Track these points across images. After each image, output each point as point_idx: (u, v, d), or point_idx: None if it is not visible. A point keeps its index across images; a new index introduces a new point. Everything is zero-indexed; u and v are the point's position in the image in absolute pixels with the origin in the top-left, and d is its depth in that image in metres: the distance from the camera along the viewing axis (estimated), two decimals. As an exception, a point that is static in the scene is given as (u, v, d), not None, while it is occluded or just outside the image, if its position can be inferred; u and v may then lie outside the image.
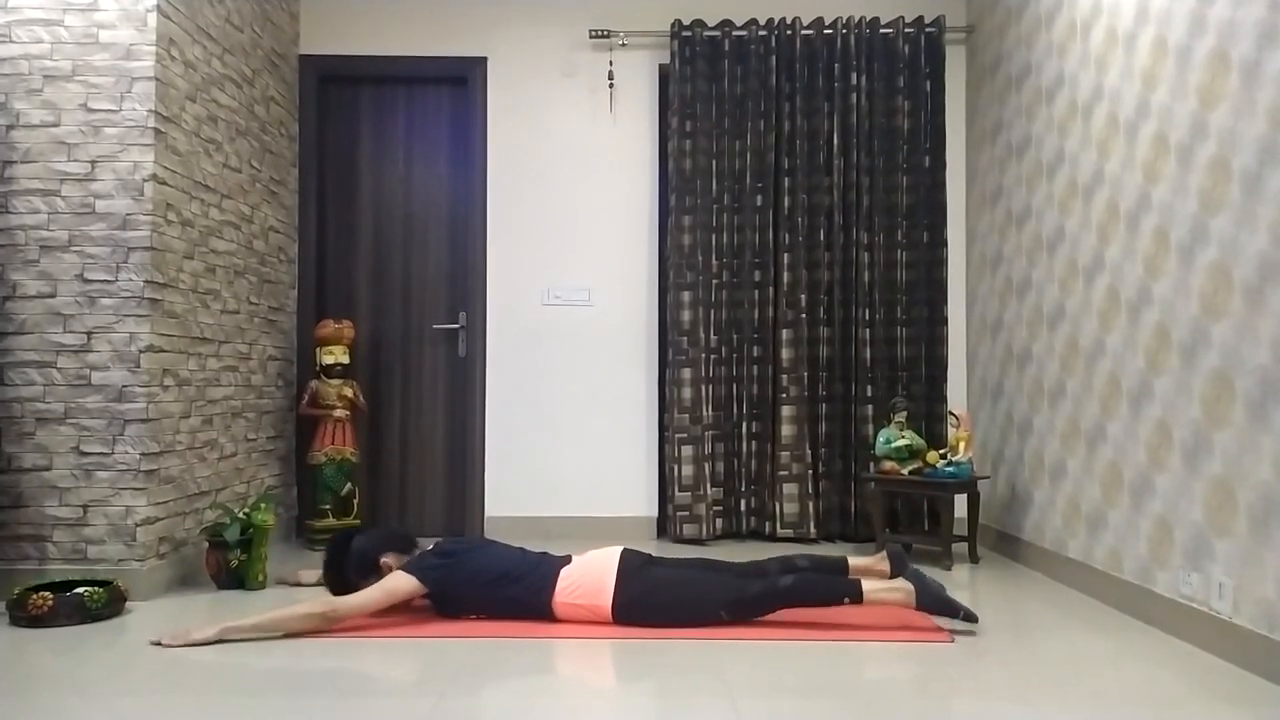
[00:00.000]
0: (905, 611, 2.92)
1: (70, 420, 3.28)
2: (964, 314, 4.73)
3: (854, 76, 4.57)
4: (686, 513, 4.47)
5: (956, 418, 4.05)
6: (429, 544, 3.14)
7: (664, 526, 4.61)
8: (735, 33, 4.61)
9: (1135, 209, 3.14)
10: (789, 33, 4.60)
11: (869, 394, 4.54)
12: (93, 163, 3.31)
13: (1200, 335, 2.76)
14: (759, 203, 4.59)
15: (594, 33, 4.67)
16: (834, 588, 2.92)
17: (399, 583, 2.93)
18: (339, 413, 4.36)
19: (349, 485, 4.36)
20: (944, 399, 4.57)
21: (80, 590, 2.97)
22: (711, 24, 4.62)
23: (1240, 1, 2.60)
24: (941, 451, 4.08)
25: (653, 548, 4.17)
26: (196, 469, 3.66)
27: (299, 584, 3.53)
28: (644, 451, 4.68)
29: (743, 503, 4.59)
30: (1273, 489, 2.43)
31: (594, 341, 4.70)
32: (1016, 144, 4.14)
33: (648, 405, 4.70)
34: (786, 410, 4.52)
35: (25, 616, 2.89)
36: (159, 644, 2.71)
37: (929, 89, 4.60)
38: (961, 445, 4.00)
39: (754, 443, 4.59)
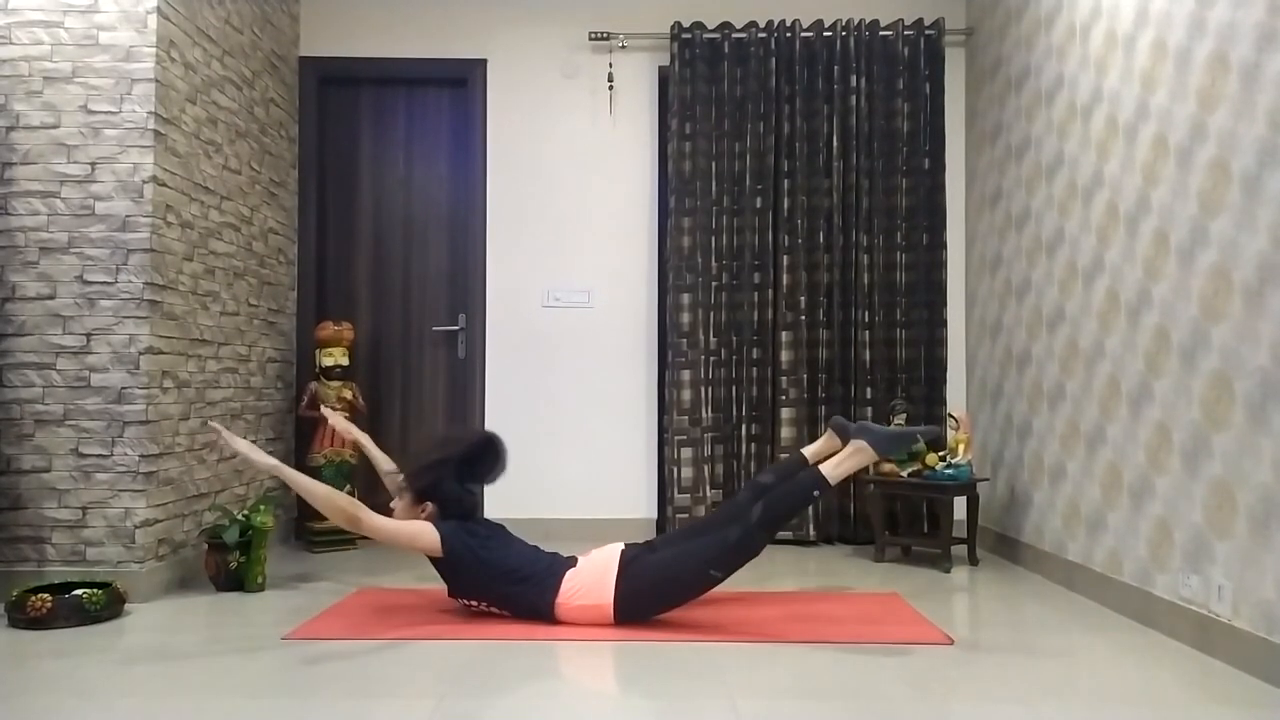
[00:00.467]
0: (905, 611, 2.91)
1: (69, 422, 3.28)
2: (963, 316, 4.73)
3: (853, 79, 4.57)
4: (686, 514, 4.47)
5: (956, 420, 4.05)
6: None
7: (663, 528, 4.60)
8: (735, 35, 4.62)
9: (1135, 211, 3.14)
10: (788, 35, 4.60)
11: (868, 396, 4.54)
12: (92, 164, 3.31)
13: (1200, 337, 2.76)
14: (759, 205, 4.59)
15: (594, 35, 4.67)
16: (800, 490, 3.02)
17: (426, 533, 2.95)
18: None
19: (348, 487, 4.35)
20: (943, 401, 4.56)
21: (79, 592, 2.97)
22: (711, 26, 4.62)
23: (1240, 4, 2.60)
24: (941, 454, 4.08)
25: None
26: (196, 471, 3.66)
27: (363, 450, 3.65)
28: (644, 453, 4.68)
29: (742, 505, 4.59)
30: (1272, 491, 2.43)
31: (594, 343, 4.70)
32: (1016, 146, 4.14)
33: (647, 407, 4.70)
34: (786, 412, 4.52)
35: (24, 618, 2.88)
36: (214, 428, 3.03)
37: (928, 91, 4.60)
38: (961, 447, 4.00)
39: (754, 445, 4.59)
